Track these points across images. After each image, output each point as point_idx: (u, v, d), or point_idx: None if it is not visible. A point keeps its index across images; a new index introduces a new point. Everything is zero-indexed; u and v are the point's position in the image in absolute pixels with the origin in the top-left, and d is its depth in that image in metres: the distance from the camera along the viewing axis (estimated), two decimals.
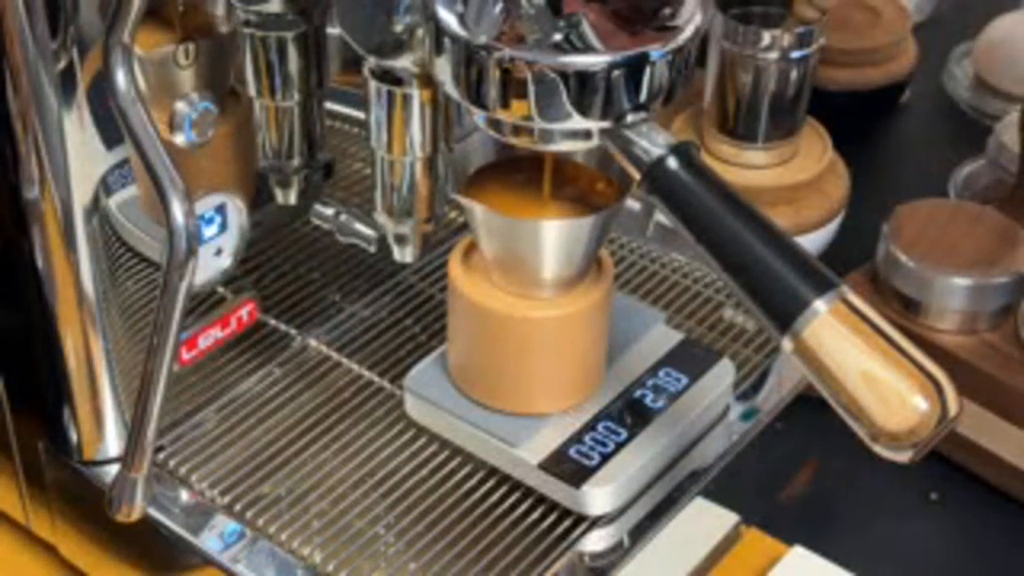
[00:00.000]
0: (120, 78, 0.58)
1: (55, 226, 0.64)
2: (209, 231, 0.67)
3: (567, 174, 0.66)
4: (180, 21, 0.65)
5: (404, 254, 0.69)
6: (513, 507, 0.69)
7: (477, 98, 0.58)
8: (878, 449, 0.54)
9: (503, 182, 0.66)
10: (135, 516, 0.64)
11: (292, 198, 0.72)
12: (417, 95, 0.63)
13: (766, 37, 0.87)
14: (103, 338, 0.68)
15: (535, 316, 0.67)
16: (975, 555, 0.81)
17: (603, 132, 0.58)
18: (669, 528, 0.70)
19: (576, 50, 0.56)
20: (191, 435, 0.73)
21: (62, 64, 0.60)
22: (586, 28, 0.57)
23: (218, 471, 0.71)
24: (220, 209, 0.67)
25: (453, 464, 0.71)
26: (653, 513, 0.70)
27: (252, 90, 0.68)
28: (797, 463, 0.84)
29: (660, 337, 0.75)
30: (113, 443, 0.71)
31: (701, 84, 0.93)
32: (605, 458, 0.68)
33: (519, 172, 0.67)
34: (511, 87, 0.56)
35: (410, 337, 0.79)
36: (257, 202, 0.72)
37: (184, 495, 0.70)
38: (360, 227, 0.71)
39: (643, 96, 0.57)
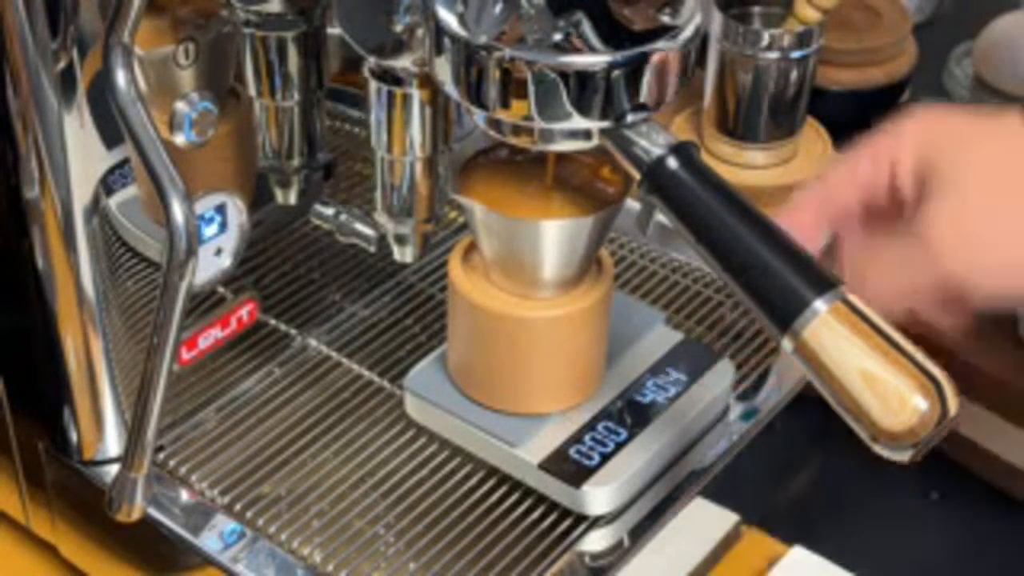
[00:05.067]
0: (120, 78, 0.58)
1: (55, 226, 0.64)
2: (209, 231, 0.67)
3: (569, 162, 0.66)
4: (180, 21, 0.65)
5: (404, 254, 0.69)
6: (513, 507, 0.69)
7: (477, 98, 0.58)
8: (878, 449, 0.54)
9: (503, 171, 0.66)
10: (135, 516, 0.64)
11: (292, 198, 0.72)
12: (417, 95, 0.63)
13: (766, 37, 0.87)
14: (103, 338, 0.68)
15: (535, 316, 0.67)
16: (975, 555, 0.81)
17: (603, 132, 0.58)
18: (669, 528, 0.70)
19: (576, 50, 0.56)
20: (191, 435, 0.73)
21: (62, 64, 0.60)
22: (586, 28, 0.57)
23: (218, 471, 0.71)
24: (220, 209, 0.67)
25: (453, 464, 0.71)
26: (653, 513, 0.70)
27: (252, 90, 0.68)
28: (797, 463, 0.84)
29: (660, 337, 0.75)
30: (113, 443, 0.71)
31: (701, 84, 0.93)
32: (605, 458, 0.68)
33: (519, 154, 0.66)
34: (511, 87, 0.56)
35: (410, 337, 0.79)
36: (257, 202, 0.71)
37: (184, 495, 0.70)
38: (360, 227, 0.71)
39: (643, 96, 0.57)
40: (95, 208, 0.64)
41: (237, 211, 0.68)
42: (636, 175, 0.57)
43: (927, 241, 0.57)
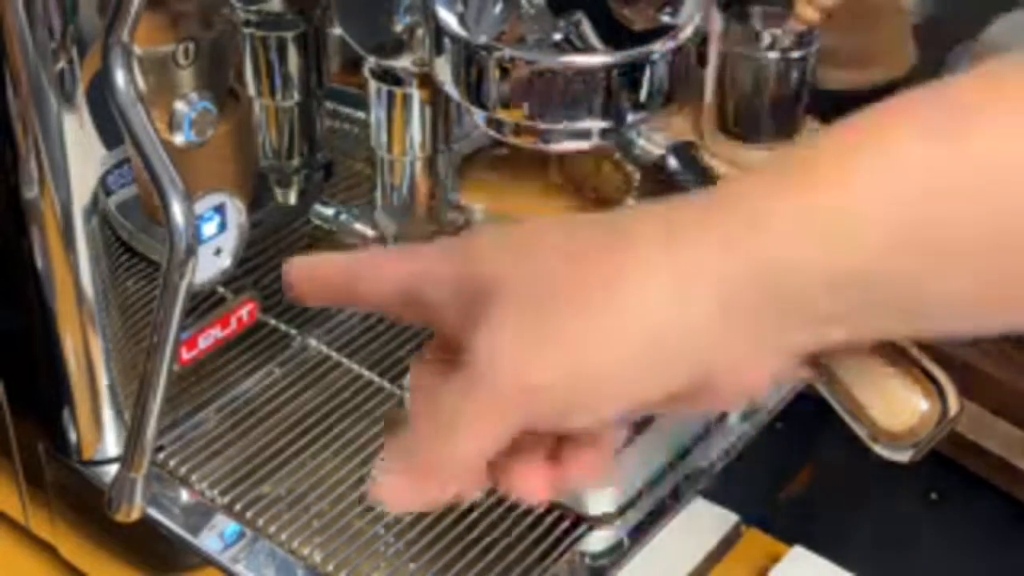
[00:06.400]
0: (120, 78, 0.58)
1: (55, 226, 0.64)
2: (209, 231, 0.67)
3: (570, 161, 0.66)
4: (180, 21, 0.65)
5: None
6: (513, 507, 0.69)
7: (477, 98, 0.58)
8: (878, 449, 0.53)
9: (503, 170, 0.66)
10: (135, 516, 0.63)
11: (292, 198, 0.72)
12: (417, 95, 0.63)
13: (766, 37, 0.87)
14: (103, 338, 0.68)
15: None
16: (975, 555, 0.81)
17: (603, 132, 0.58)
18: (669, 528, 0.70)
19: (576, 50, 0.56)
20: (191, 435, 0.73)
21: (62, 64, 0.60)
22: (586, 28, 0.57)
23: (218, 471, 0.71)
24: (220, 209, 0.67)
25: None
26: (653, 513, 0.70)
27: (252, 90, 0.68)
28: (797, 463, 0.84)
29: None
30: (113, 443, 0.71)
31: (701, 84, 0.93)
32: None
33: (519, 152, 0.66)
34: (511, 87, 0.56)
35: (410, 337, 0.79)
36: (257, 202, 0.71)
37: (184, 495, 0.70)
38: (360, 227, 0.71)
39: (643, 96, 0.57)
40: (95, 208, 0.64)
41: (237, 211, 0.68)
42: (636, 175, 0.57)
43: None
